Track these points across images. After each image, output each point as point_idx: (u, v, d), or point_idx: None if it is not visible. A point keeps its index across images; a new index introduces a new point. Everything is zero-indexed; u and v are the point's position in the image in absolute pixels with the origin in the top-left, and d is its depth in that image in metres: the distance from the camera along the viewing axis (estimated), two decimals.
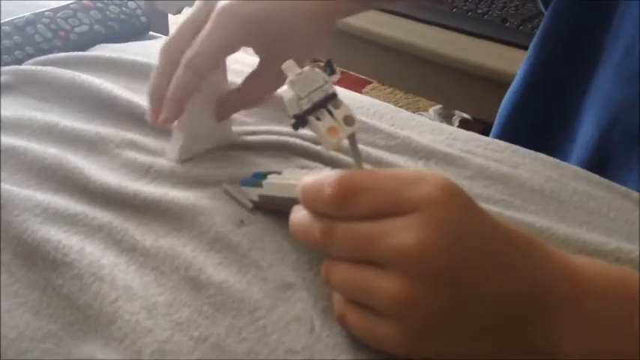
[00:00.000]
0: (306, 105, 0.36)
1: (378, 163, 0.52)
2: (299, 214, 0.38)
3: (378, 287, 0.33)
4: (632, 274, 0.37)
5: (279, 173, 0.45)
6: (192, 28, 0.49)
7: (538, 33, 0.72)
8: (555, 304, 0.34)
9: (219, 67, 0.51)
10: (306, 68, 0.37)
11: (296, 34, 0.52)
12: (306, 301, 0.40)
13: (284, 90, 0.37)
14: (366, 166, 0.39)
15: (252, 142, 0.55)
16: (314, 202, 0.36)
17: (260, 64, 0.53)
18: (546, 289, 0.34)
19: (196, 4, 0.51)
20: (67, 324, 0.39)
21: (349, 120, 0.36)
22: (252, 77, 0.53)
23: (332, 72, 0.37)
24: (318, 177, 0.36)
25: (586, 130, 0.66)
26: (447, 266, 0.32)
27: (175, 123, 0.51)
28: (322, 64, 0.38)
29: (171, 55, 0.50)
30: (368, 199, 0.34)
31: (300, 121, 0.36)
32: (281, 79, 0.51)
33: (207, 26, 0.48)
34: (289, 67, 0.37)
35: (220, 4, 0.49)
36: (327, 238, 0.35)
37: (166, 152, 0.52)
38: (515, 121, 0.74)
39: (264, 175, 0.45)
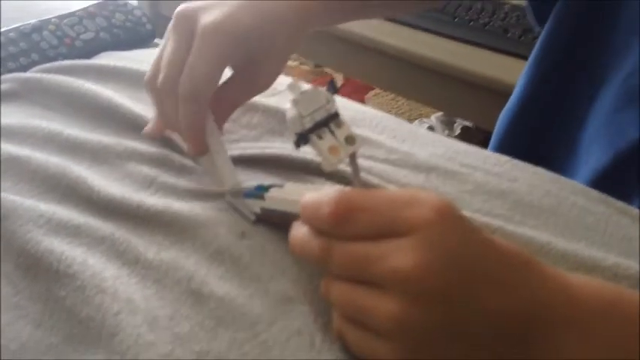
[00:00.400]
0: (308, 124, 0.37)
1: (379, 177, 0.52)
2: (299, 230, 0.38)
3: (375, 308, 0.34)
4: (632, 294, 0.37)
5: (282, 186, 0.45)
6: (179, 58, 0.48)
7: (536, 47, 0.72)
8: (552, 324, 0.34)
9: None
10: (310, 87, 0.37)
11: (275, 49, 0.52)
12: (307, 316, 0.40)
13: (287, 108, 0.37)
14: (367, 184, 0.39)
15: (255, 156, 0.55)
16: (313, 219, 0.37)
17: (235, 75, 0.53)
18: (543, 308, 0.35)
19: (171, 31, 0.50)
20: (69, 336, 0.39)
21: (350, 140, 0.37)
22: (226, 88, 0.52)
23: (335, 91, 0.38)
24: (318, 195, 0.36)
25: (586, 150, 0.66)
26: (444, 287, 0.33)
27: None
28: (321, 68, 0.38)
29: (168, 89, 0.49)
30: (364, 219, 0.34)
31: (302, 139, 0.37)
32: (254, 88, 0.52)
33: (195, 51, 0.47)
34: (293, 86, 0.37)
35: (202, 25, 0.48)
36: (326, 256, 0.36)
37: (214, 182, 0.51)
38: (514, 133, 0.75)
39: (266, 188, 0.46)
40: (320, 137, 0.37)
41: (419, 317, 0.33)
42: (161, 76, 0.49)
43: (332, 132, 0.37)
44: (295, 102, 0.37)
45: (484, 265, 0.34)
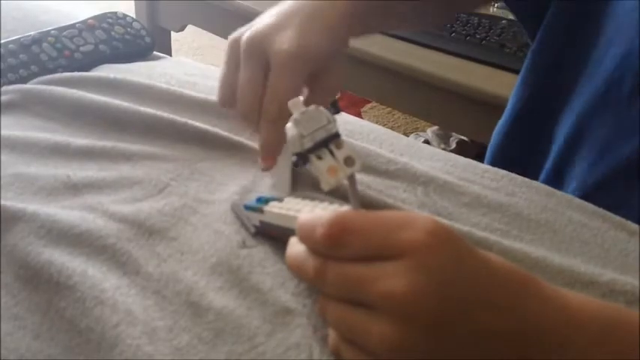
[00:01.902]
0: (308, 144, 0.37)
1: (377, 190, 0.52)
2: (295, 248, 0.39)
3: (369, 330, 0.34)
4: (631, 315, 0.37)
5: (281, 200, 0.45)
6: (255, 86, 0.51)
7: (525, 63, 0.72)
8: (550, 346, 0.35)
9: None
10: (311, 107, 0.37)
11: (337, 61, 0.54)
12: (306, 328, 0.40)
13: (288, 127, 0.37)
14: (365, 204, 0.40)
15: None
16: (308, 239, 0.37)
17: (311, 92, 0.55)
18: (541, 330, 0.35)
19: (244, 58, 0.52)
20: (68, 348, 0.39)
21: (350, 161, 0.37)
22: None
23: (336, 111, 0.38)
24: (313, 215, 0.37)
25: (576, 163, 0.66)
26: (437, 311, 0.33)
27: None
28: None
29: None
30: (358, 241, 0.35)
31: (302, 159, 0.37)
32: (326, 97, 0.53)
33: (276, 77, 0.50)
34: (294, 104, 0.38)
35: (277, 52, 0.50)
36: (320, 277, 0.36)
37: (276, 187, 0.53)
38: (506, 148, 0.75)
39: (266, 201, 0.46)
40: (319, 157, 0.37)
41: (412, 340, 0.33)
42: (243, 103, 0.52)
43: (332, 152, 0.37)
44: (296, 121, 0.37)
45: (479, 287, 0.34)
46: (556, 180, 0.66)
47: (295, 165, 0.38)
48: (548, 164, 0.68)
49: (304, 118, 0.37)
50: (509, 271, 0.36)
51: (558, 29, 0.68)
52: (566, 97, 0.67)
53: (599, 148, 0.62)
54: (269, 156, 0.52)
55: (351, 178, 0.38)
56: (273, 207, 0.45)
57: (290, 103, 0.38)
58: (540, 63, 0.70)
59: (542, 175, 0.68)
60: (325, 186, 0.37)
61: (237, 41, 0.53)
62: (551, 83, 0.69)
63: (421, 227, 0.34)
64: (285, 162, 0.52)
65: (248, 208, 0.48)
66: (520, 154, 0.73)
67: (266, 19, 0.53)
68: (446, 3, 0.69)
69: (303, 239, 0.37)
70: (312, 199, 0.43)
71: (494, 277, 0.35)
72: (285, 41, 0.50)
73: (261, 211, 0.45)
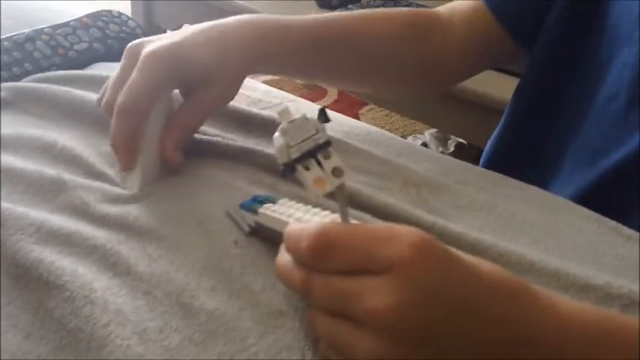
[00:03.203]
0: (295, 154, 0.36)
1: (369, 200, 0.51)
2: (284, 258, 0.38)
3: (356, 345, 0.34)
4: (628, 322, 0.37)
5: (275, 202, 0.45)
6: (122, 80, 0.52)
7: (523, 75, 0.72)
8: (543, 356, 0.34)
9: (155, 105, 0.52)
10: (300, 117, 0.37)
11: (223, 85, 0.55)
12: (298, 331, 0.40)
13: (275, 136, 0.37)
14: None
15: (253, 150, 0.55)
16: (294, 250, 0.37)
17: (184, 102, 0.56)
18: (534, 341, 0.34)
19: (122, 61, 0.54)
20: (58, 347, 0.39)
21: (338, 172, 0.37)
22: (176, 114, 0.55)
23: (325, 120, 0.37)
24: (300, 227, 0.36)
25: (569, 170, 0.66)
26: (424, 326, 0.33)
27: None
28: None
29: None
30: (342, 255, 0.34)
31: (289, 169, 0.37)
32: (202, 112, 0.55)
33: (134, 71, 0.51)
34: (283, 113, 0.37)
35: (144, 52, 0.52)
36: (306, 289, 0.36)
37: (126, 184, 0.52)
38: (500, 155, 0.75)
39: (261, 202, 0.46)
40: (306, 168, 0.37)
41: (399, 356, 0.33)
42: (105, 97, 0.54)
43: (319, 163, 0.37)
44: (283, 131, 0.37)
45: (467, 300, 0.34)
46: (547, 187, 0.66)
47: (283, 176, 0.37)
48: (545, 169, 0.68)
49: (292, 128, 0.37)
50: (500, 280, 0.35)
51: (551, 41, 0.68)
52: (564, 107, 0.67)
53: (592, 155, 0.62)
54: (124, 154, 0.52)
55: (340, 189, 0.37)
56: (267, 209, 0.44)
57: (278, 112, 0.37)
58: (534, 73, 0.70)
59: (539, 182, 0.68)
60: (312, 197, 0.37)
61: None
62: (548, 93, 0.69)
63: (406, 241, 0.33)
64: (144, 158, 0.52)
65: (244, 207, 0.47)
66: (515, 162, 0.72)
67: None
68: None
69: (289, 250, 0.37)
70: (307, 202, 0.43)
71: (484, 288, 0.35)
72: (154, 44, 0.53)
73: (255, 211, 0.45)
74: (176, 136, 0.54)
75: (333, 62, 0.63)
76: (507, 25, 0.68)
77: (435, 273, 0.33)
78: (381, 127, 0.66)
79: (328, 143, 0.37)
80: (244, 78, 0.57)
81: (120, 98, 0.51)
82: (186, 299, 0.41)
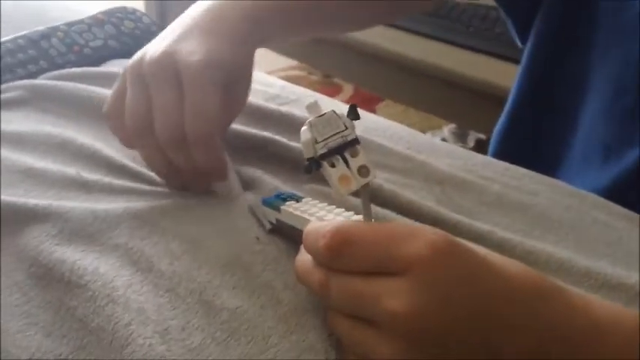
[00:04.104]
0: (321, 150, 0.36)
1: (392, 198, 0.51)
2: (303, 257, 0.38)
3: (375, 347, 0.33)
4: None
5: (298, 200, 0.45)
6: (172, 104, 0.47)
7: (521, 64, 0.72)
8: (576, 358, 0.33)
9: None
10: (328, 112, 0.36)
11: (247, 71, 0.53)
12: (321, 330, 0.39)
13: (303, 130, 0.36)
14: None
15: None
16: (312, 249, 0.36)
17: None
18: (563, 345, 0.33)
19: (152, 80, 0.48)
20: (80, 347, 0.39)
21: (364, 171, 0.36)
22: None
23: (355, 117, 0.36)
24: (318, 225, 0.36)
25: (578, 167, 0.66)
26: (444, 330, 0.32)
27: None
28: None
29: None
30: (359, 254, 0.34)
31: (314, 165, 0.36)
32: (234, 112, 0.53)
33: (193, 92, 0.46)
34: (312, 107, 0.36)
35: (188, 65, 0.47)
36: (324, 291, 0.35)
37: (226, 192, 0.51)
38: (507, 143, 0.74)
39: (284, 199, 0.45)
40: (332, 165, 0.36)
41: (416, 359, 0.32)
42: (168, 129, 0.47)
43: (346, 160, 0.36)
44: (311, 125, 0.36)
45: (490, 302, 0.33)
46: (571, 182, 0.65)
47: (306, 171, 0.36)
48: (562, 164, 0.67)
49: (320, 122, 0.36)
50: (528, 281, 0.34)
51: (554, 25, 0.67)
52: (565, 100, 0.67)
53: (604, 152, 0.61)
54: (220, 173, 0.49)
55: (365, 189, 0.36)
56: (289, 206, 0.44)
57: (307, 105, 0.37)
58: (534, 63, 0.70)
59: (558, 175, 0.67)
60: (336, 195, 0.36)
61: (138, 66, 0.48)
62: (552, 78, 0.68)
63: (425, 241, 0.33)
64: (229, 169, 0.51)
65: (266, 203, 0.47)
66: (522, 150, 0.72)
67: (164, 35, 0.50)
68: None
69: (308, 249, 0.37)
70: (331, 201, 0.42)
71: (510, 290, 0.34)
72: (193, 51, 0.47)
73: (277, 209, 0.45)
74: (220, 141, 0.51)
75: None
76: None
77: (456, 274, 0.33)
78: (398, 123, 0.65)
79: (356, 141, 0.36)
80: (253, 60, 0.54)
81: (193, 126, 0.46)
82: (209, 297, 0.41)
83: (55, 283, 0.42)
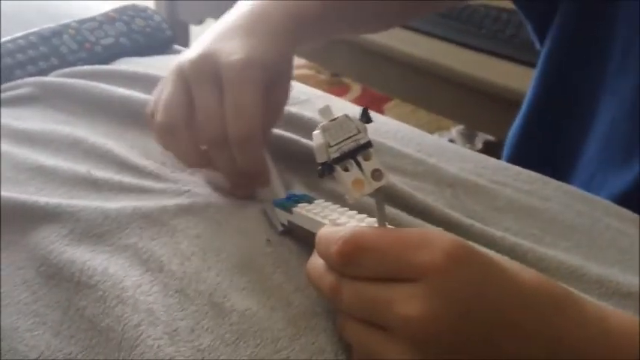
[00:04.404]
0: (334, 154, 0.35)
1: (407, 199, 0.50)
2: (315, 262, 0.37)
3: (386, 354, 0.33)
4: None
5: (311, 202, 0.44)
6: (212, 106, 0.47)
7: (538, 65, 0.71)
8: None
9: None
10: (341, 115, 0.36)
11: (287, 69, 0.53)
12: (332, 333, 0.39)
13: (315, 134, 0.36)
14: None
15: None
16: (325, 255, 0.36)
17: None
18: (578, 354, 0.33)
19: (194, 80, 0.48)
20: (89, 347, 0.39)
21: (377, 174, 0.36)
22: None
23: (367, 121, 0.36)
24: (331, 230, 0.36)
25: (594, 172, 0.65)
26: (457, 337, 0.32)
27: None
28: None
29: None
30: (372, 260, 0.34)
31: (327, 169, 0.36)
32: (278, 111, 0.52)
33: (235, 92, 0.46)
34: (324, 111, 0.36)
35: (229, 65, 0.47)
36: (335, 295, 0.35)
37: (275, 192, 0.50)
38: (522, 149, 0.74)
39: (296, 201, 0.45)
40: (345, 169, 0.36)
41: None
42: (209, 129, 0.47)
43: (359, 164, 0.36)
44: (324, 129, 0.36)
45: (504, 310, 0.33)
46: (586, 186, 0.64)
47: (320, 175, 0.36)
48: (577, 168, 0.67)
49: (332, 126, 0.36)
50: (543, 290, 0.34)
51: (571, 29, 0.66)
52: (590, 96, 0.66)
53: (624, 155, 0.61)
54: (262, 176, 0.49)
55: (378, 193, 0.36)
56: (302, 208, 0.44)
57: (320, 109, 0.36)
58: (556, 60, 0.69)
59: (571, 180, 0.67)
60: (350, 199, 0.36)
61: (180, 67, 0.49)
62: (569, 81, 0.68)
63: (440, 248, 0.32)
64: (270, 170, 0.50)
65: (278, 205, 0.47)
66: (537, 153, 0.71)
67: (206, 36, 0.51)
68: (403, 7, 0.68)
69: (320, 254, 0.36)
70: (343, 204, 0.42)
71: (523, 299, 0.33)
72: (233, 51, 0.47)
73: (289, 210, 0.44)
74: (262, 143, 0.51)
75: None
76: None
77: (469, 281, 0.32)
78: (406, 124, 0.65)
79: (369, 144, 0.36)
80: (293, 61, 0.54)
81: (236, 127, 0.46)
82: (218, 299, 0.41)
83: (64, 282, 0.42)
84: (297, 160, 0.54)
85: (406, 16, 0.77)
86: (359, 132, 0.36)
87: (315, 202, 0.44)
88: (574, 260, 0.46)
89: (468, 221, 0.48)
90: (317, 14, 0.55)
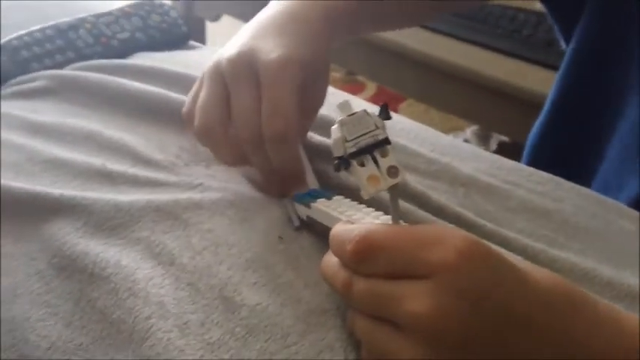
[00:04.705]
0: (351, 149, 0.35)
1: (419, 197, 0.50)
2: (329, 259, 0.38)
3: (397, 351, 0.33)
4: None
5: (330, 198, 0.45)
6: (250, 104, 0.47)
7: (562, 64, 0.71)
8: None
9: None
10: (360, 111, 0.36)
11: (324, 68, 0.52)
12: (341, 330, 0.39)
13: (333, 129, 0.36)
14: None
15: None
16: (338, 253, 0.36)
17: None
18: (588, 354, 0.33)
19: (232, 78, 0.48)
20: (99, 338, 0.39)
21: (393, 171, 0.36)
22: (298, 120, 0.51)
23: (386, 118, 0.36)
24: (345, 228, 0.36)
25: (615, 174, 0.65)
26: (465, 336, 0.32)
27: None
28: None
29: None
30: (384, 258, 0.34)
31: (343, 163, 0.36)
32: (316, 109, 0.52)
33: (272, 90, 0.46)
34: (344, 106, 0.36)
35: (267, 63, 0.46)
36: (347, 292, 0.35)
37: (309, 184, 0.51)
38: (542, 150, 0.73)
39: (315, 196, 0.45)
40: (361, 164, 0.36)
41: None
42: (244, 127, 0.47)
43: (375, 160, 0.36)
44: (342, 123, 0.36)
45: (515, 311, 0.32)
46: (605, 188, 0.64)
47: (336, 169, 0.36)
48: (597, 171, 0.66)
49: (351, 121, 0.36)
50: (555, 289, 0.34)
51: (596, 29, 0.66)
52: (605, 104, 0.66)
53: None
54: (297, 175, 0.49)
55: (393, 190, 0.36)
56: (320, 203, 0.44)
57: (339, 104, 0.37)
58: (581, 60, 0.68)
59: (592, 181, 0.66)
60: (365, 195, 0.36)
61: (217, 66, 0.48)
62: (593, 82, 0.67)
63: (452, 245, 0.32)
64: (306, 167, 0.50)
65: (298, 199, 0.47)
66: (559, 155, 0.71)
67: (242, 34, 0.50)
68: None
69: (334, 252, 0.37)
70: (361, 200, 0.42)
71: (536, 301, 0.33)
72: (271, 50, 0.47)
73: (308, 205, 0.45)
74: (298, 143, 0.51)
75: None
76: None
77: (480, 279, 0.32)
78: (421, 123, 0.65)
79: (387, 141, 0.36)
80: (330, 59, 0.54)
81: (272, 126, 0.45)
82: (229, 293, 0.41)
83: (77, 274, 0.42)
84: (308, 155, 0.54)
85: (432, 16, 0.78)
86: (377, 128, 0.36)
87: (335, 198, 0.45)
88: (587, 262, 0.45)
89: (480, 221, 0.48)
90: (352, 13, 0.55)
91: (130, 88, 0.60)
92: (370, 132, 0.36)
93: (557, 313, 0.33)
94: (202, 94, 0.49)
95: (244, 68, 0.47)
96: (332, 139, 0.36)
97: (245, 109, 0.46)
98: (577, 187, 0.55)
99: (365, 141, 0.36)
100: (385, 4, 0.60)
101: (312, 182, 0.50)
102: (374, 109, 0.37)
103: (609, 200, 0.54)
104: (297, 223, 0.46)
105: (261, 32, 0.50)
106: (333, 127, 0.36)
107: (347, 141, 0.35)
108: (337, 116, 0.36)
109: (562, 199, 0.53)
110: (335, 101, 0.38)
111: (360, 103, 0.63)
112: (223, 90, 0.48)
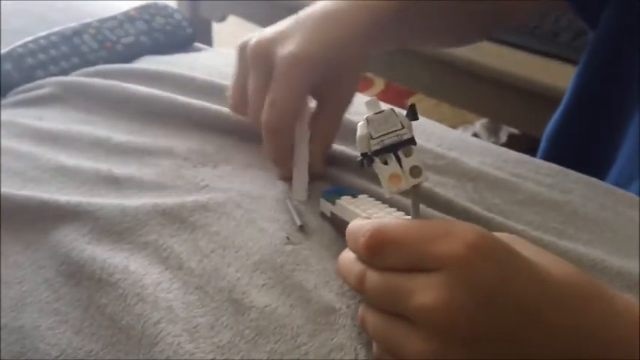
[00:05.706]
0: (375, 146, 0.36)
1: (427, 194, 0.50)
2: (346, 254, 0.38)
3: (407, 345, 0.33)
4: None
5: (355, 196, 0.45)
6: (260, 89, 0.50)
7: (584, 55, 0.70)
8: None
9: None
10: (387, 109, 0.36)
11: (346, 72, 0.52)
12: (351, 330, 0.39)
13: (359, 125, 0.37)
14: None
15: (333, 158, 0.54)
16: (353, 247, 0.37)
17: (320, 105, 0.53)
18: (607, 349, 0.33)
19: (251, 64, 0.51)
20: (109, 344, 0.39)
21: (416, 171, 0.36)
22: (319, 119, 0.52)
23: (414, 118, 0.36)
24: (360, 223, 0.37)
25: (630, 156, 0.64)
26: (474, 329, 0.32)
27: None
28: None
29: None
30: (396, 252, 0.34)
31: (367, 160, 0.36)
32: (339, 113, 0.53)
33: (276, 83, 0.48)
34: (371, 104, 0.37)
35: (280, 57, 0.49)
36: (360, 285, 0.36)
37: (294, 192, 0.51)
38: (560, 142, 0.73)
39: (340, 194, 0.46)
40: (385, 162, 0.36)
41: (449, 356, 0.32)
42: (251, 110, 0.51)
43: (399, 159, 0.36)
44: (368, 121, 0.36)
45: (526, 305, 0.32)
46: (624, 181, 0.63)
47: (360, 165, 0.37)
48: (618, 162, 0.65)
49: (377, 119, 0.36)
50: (569, 283, 0.34)
51: (617, 21, 0.65)
52: (627, 95, 0.65)
53: None
54: (279, 166, 0.51)
55: (415, 189, 0.37)
56: (344, 201, 0.45)
57: (366, 102, 0.37)
58: (598, 55, 0.68)
59: (610, 174, 0.66)
60: (386, 193, 0.36)
61: (244, 47, 0.51)
62: (617, 73, 0.67)
63: (462, 239, 0.32)
64: (299, 167, 0.51)
65: (325, 195, 0.47)
66: (578, 149, 0.70)
67: (279, 24, 0.52)
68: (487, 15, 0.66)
69: (350, 246, 0.38)
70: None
71: (547, 294, 0.33)
72: (288, 46, 0.49)
73: (333, 202, 0.46)
74: (322, 147, 0.52)
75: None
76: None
77: (490, 272, 0.32)
78: (430, 118, 0.65)
79: (412, 141, 0.36)
80: (366, 63, 0.55)
81: (266, 116, 0.49)
82: (238, 295, 0.41)
83: (85, 281, 0.42)
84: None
85: (477, 34, 0.75)
86: (403, 127, 0.36)
87: (360, 196, 0.45)
88: (596, 253, 0.45)
89: (488, 215, 0.48)
90: (395, 17, 0.54)
91: (135, 93, 0.60)
92: (396, 131, 0.36)
93: (567, 309, 0.33)
94: (232, 77, 0.53)
95: (262, 56, 0.50)
96: (357, 135, 0.37)
97: (253, 96, 0.50)
98: (585, 177, 0.55)
99: (390, 139, 0.36)
100: (440, 5, 0.60)
101: (299, 183, 0.50)
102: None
103: (618, 190, 0.53)
104: (298, 223, 0.47)
105: (293, 25, 0.51)
106: (359, 123, 0.37)
107: (372, 138, 0.36)
108: (364, 113, 0.37)
109: (570, 191, 0.53)
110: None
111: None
112: (245, 71, 0.51)
